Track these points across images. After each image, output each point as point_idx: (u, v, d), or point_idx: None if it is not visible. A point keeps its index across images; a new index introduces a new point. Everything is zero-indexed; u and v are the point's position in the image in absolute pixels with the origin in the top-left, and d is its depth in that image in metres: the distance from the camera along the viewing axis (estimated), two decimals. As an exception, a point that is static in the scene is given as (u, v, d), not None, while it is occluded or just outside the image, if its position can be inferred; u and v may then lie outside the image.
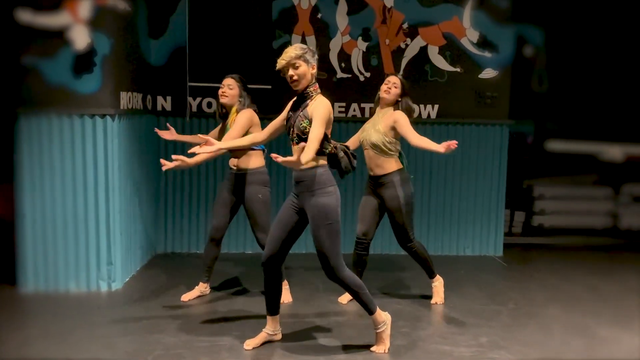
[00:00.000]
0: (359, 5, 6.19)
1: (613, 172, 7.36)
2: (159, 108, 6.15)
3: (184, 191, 6.31)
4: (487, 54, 6.32)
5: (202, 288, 4.91)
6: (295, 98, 3.72)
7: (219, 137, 4.67)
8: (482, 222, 6.54)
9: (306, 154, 3.40)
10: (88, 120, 4.83)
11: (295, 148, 3.64)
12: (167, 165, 3.77)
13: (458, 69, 6.31)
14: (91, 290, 4.98)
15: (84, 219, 4.92)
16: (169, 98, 6.15)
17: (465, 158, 6.46)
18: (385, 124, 4.59)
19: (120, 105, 5.04)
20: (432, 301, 4.91)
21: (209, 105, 6.17)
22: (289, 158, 3.29)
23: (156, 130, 4.88)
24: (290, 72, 3.57)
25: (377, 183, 4.66)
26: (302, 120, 3.58)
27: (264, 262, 3.81)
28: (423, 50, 6.28)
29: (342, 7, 6.17)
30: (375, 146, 4.58)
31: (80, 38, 4.76)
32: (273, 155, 3.34)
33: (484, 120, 6.40)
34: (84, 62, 4.77)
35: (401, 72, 6.23)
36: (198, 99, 6.17)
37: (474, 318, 4.58)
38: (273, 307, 3.94)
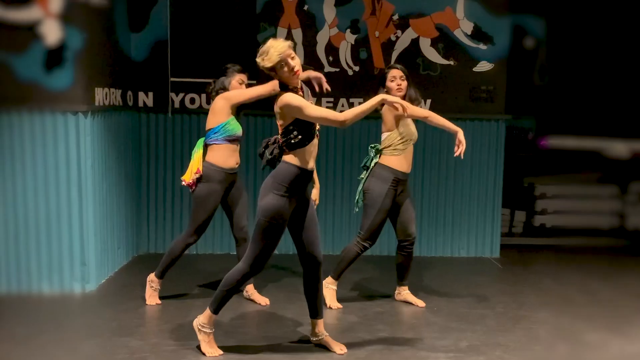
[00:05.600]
0: (347, -4, 6.21)
1: (619, 169, 7.28)
2: (141, 104, 6.20)
3: (167, 190, 6.35)
4: (482, 46, 6.28)
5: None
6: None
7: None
8: (477, 222, 6.52)
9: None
10: (60, 117, 4.89)
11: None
12: None
13: (451, 62, 6.28)
14: (64, 291, 5.03)
15: (56, 219, 4.97)
16: (150, 94, 6.20)
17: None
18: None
19: (94, 101, 5.09)
20: (327, 304, 4.79)
21: (192, 101, 6.21)
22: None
23: None
24: (292, 63, 3.58)
25: (406, 181, 4.75)
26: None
27: (304, 265, 3.93)
28: (414, 42, 6.26)
29: (330, -2, 6.19)
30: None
31: (52, 33, 4.81)
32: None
33: (479, 116, 6.38)
34: (55, 58, 4.82)
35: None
36: (181, 95, 6.20)
37: (457, 322, 4.57)
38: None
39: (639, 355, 4.08)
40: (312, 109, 3.58)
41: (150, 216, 6.38)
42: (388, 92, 4.63)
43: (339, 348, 3.97)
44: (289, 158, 3.68)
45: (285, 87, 3.68)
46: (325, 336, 4.02)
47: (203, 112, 6.17)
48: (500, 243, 6.68)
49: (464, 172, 6.46)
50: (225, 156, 4.61)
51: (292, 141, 3.64)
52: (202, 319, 3.87)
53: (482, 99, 6.33)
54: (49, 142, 4.90)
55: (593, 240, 7.18)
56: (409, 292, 5.01)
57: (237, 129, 4.61)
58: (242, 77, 4.71)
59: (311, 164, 3.73)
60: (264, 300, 4.87)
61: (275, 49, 3.56)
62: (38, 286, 5.01)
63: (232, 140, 4.61)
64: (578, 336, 4.34)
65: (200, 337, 3.88)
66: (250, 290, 4.93)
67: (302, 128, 3.63)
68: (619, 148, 7.23)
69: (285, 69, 3.59)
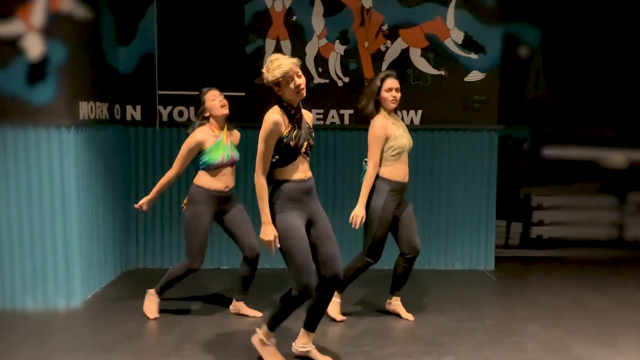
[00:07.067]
0: (335, 6, 6.23)
1: (617, 179, 7.27)
2: (129, 118, 6.24)
3: (156, 204, 6.31)
4: (473, 56, 6.30)
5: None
6: (281, 112, 3.68)
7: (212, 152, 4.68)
8: (471, 234, 6.51)
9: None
10: (42, 131, 4.94)
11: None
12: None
13: (442, 72, 6.30)
14: (49, 307, 5.05)
15: (40, 233, 5.01)
16: (138, 107, 6.24)
17: (452, 166, 6.43)
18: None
19: (79, 115, 5.14)
20: (332, 317, 4.85)
21: (180, 113, 6.25)
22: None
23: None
24: (298, 81, 3.63)
25: (404, 190, 4.74)
26: (311, 131, 3.83)
27: (320, 287, 3.86)
28: (404, 52, 6.29)
29: (318, 9, 6.22)
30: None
31: (34, 47, 4.86)
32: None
33: (471, 126, 6.38)
34: (37, 72, 4.87)
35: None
36: (169, 108, 6.25)
37: (445, 335, 4.56)
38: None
39: (628, 368, 4.07)
40: (260, 147, 3.63)
41: (139, 231, 6.40)
42: (381, 101, 4.65)
43: None
44: (275, 174, 3.74)
45: (280, 102, 3.70)
46: (313, 349, 4.05)
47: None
48: (497, 255, 6.68)
49: (457, 183, 6.46)
50: (210, 179, 4.66)
51: (272, 160, 3.70)
52: (260, 334, 3.97)
53: (474, 109, 6.35)
54: (31, 157, 4.94)
55: (591, 251, 7.15)
56: (400, 303, 5.00)
57: (212, 158, 4.63)
58: (213, 93, 4.71)
59: (298, 176, 3.74)
60: (256, 313, 4.94)
61: (282, 65, 3.60)
62: (22, 302, 5.04)
63: (214, 168, 4.65)
64: (567, 349, 4.31)
65: (260, 351, 3.98)
66: (238, 305, 4.98)
67: (280, 150, 3.67)
68: (616, 158, 7.22)
69: (291, 85, 3.62)
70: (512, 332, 4.63)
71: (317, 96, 6.27)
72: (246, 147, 5.92)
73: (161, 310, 4.97)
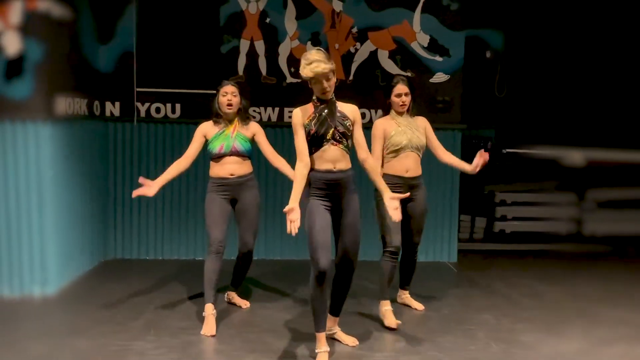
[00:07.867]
0: (307, 9, 6.38)
1: (575, 177, 7.47)
2: (108, 114, 6.37)
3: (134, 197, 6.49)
4: (438, 58, 6.48)
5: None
6: (309, 105, 3.93)
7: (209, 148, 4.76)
8: (435, 228, 6.68)
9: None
10: (19, 126, 5.07)
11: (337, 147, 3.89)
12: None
13: (409, 74, 6.46)
14: (24, 294, 5.18)
15: (16, 224, 5.14)
16: (117, 103, 6.37)
17: (418, 163, 6.60)
18: (420, 129, 4.89)
19: (56, 110, 5.26)
20: (387, 325, 4.77)
21: (157, 110, 6.38)
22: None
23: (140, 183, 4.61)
24: (325, 84, 3.81)
25: (412, 185, 4.82)
26: (346, 120, 3.91)
27: (336, 268, 4.09)
28: (373, 54, 6.45)
29: (291, 12, 6.37)
30: (420, 149, 4.87)
31: (11, 44, 4.99)
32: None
33: (436, 125, 6.43)
34: (14, 68, 5.00)
35: (351, 77, 6.43)
36: (147, 104, 6.38)
37: (400, 324, 4.72)
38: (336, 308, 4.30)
39: (570, 353, 4.21)
40: (296, 138, 3.87)
41: (117, 222, 6.53)
42: (391, 104, 4.83)
43: (352, 341, 4.28)
44: (311, 163, 3.90)
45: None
46: (339, 331, 4.34)
47: (168, 122, 6.40)
48: (461, 248, 6.90)
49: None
50: (215, 168, 4.76)
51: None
52: (316, 345, 3.99)
53: (438, 109, 6.52)
54: (8, 150, 5.08)
55: (551, 245, 7.36)
56: (408, 295, 5.20)
57: (211, 147, 4.73)
58: (225, 89, 4.73)
59: (326, 166, 3.87)
60: (244, 303, 5.08)
61: (315, 68, 3.73)
62: (-2, 289, 5.18)
63: (216, 157, 4.75)
64: (515, 337, 4.48)
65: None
66: (230, 294, 5.14)
67: (310, 137, 3.87)
68: (575, 156, 7.43)
69: (317, 86, 3.82)
70: (465, 321, 4.80)
71: (289, 95, 6.41)
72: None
73: (130, 299, 5.15)
